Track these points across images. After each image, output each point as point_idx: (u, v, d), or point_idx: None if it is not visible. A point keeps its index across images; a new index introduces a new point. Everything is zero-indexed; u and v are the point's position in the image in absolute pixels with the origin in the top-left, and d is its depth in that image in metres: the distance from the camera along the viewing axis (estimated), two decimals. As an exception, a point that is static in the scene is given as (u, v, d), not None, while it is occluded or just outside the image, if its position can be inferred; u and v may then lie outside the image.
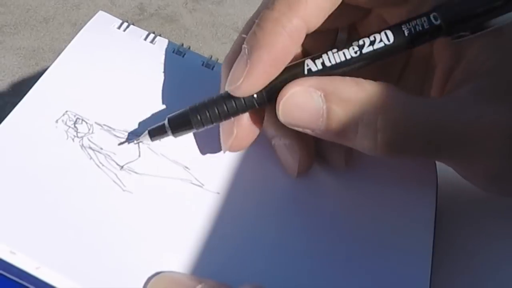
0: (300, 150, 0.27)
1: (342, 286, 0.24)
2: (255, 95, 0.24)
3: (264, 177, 0.27)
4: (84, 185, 0.24)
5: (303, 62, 0.24)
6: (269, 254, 0.24)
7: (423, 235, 0.26)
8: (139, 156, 0.26)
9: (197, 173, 0.26)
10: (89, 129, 0.26)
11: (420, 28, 0.23)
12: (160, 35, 0.31)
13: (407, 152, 0.24)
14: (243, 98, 0.24)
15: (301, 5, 0.23)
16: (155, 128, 0.25)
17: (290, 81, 0.23)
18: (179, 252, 0.23)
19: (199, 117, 0.24)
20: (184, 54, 0.30)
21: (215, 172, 0.26)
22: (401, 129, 0.23)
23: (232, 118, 0.25)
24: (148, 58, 0.29)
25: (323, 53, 0.24)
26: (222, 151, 0.26)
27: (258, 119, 0.25)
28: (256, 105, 0.24)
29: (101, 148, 0.25)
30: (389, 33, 0.23)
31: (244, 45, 0.23)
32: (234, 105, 0.24)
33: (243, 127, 0.25)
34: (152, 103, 0.28)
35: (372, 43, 0.23)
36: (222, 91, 0.25)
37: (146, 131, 0.26)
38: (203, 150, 0.27)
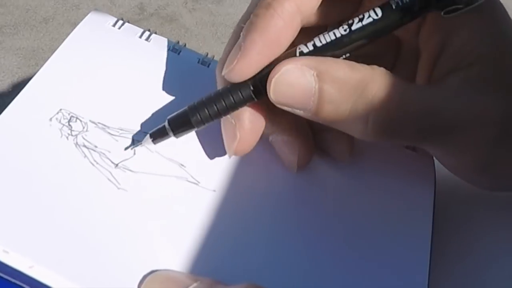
0: (299, 145, 0.26)
1: (340, 282, 0.24)
2: (251, 86, 0.24)
3: (260, 174, 0.27)
4: (78, 183, 0.24)
5: (296, 47, 0.24)
6: (266, 251, 0.24)
7: (421, 231, 0.26)
8: (134, 154, 0.26)
9: (193, 170, 0.26)
10: (83, 127, 0.26)
11: (408, 0, 0.23)
12: (155, 33, 0.30)
13: (397, 137, 0.24)
14: (240, 91, 0.24)
15: None
16: (156, 131, 0.25)
17: None
18: (174, 250, 0.23)
19: (198, 116, 0.24)
20: (180, 51, 0.30)
21: (211, 169, 0.26)
22: (392, 114, 0.23)
23: (234, 121, 0.25)
24: (144, 56, 0.29)
25: (315, 37, 0.24)
26: (218, 149, 0.26)
27: (259, 120, 0.25)
28: (253, 96, 0.24)
29: (96, 146, 0.25)
30: (377, 9, 0.23)
31: (241, 33, 0.24)
32: (232, 99, 0.24)
33: (245, 130, 0.25)
34: (147, 101, 0.27)
35: (360, 20, 0.23)
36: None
37: (148, 135, 0.25)
38: (199, 148, 0.27)
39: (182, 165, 0.26)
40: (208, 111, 0.24)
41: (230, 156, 0.26)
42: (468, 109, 0.23)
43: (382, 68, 0.23)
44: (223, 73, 0.24)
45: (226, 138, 0.25)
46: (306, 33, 0.25)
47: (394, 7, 0.23)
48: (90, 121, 0.26)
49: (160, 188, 0.25)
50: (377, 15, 0.23)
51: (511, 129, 0.24)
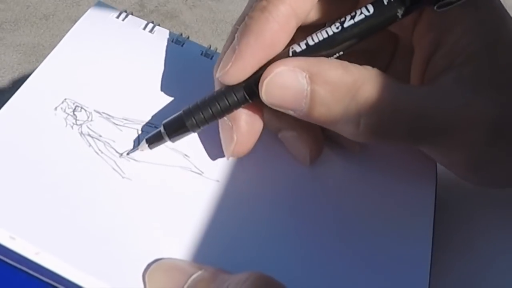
0: (310, 140, 0.27)
1: (341, 279, 0.24)
2: (245, 88, 0.24)
3: (263, 165, 0.27)
4: (83, 172, 0.24)
5: (289, 47, 0.24)
6: (269, 241, 0.24)
7: (422, 229, 0.26)
8: (139, 143, 0.26)
9: (196, 160, 0.26)
10: (88, 117, 0.26)
11: None
12: (159, 25, 0.31)
13: (389, 138, 0.24)
14: (234, 93, 0.24)
15: None
16: (151, 136, 0.25)
17: None
18: (178, 239, 0.23)
19: (194, 120, 0.24)
20: (183, 43, 0.30)
21: (215, 160, 0.26)
22: (385, 115, 0.23)
23: (230, 123, 0.25)
24: (147, 47, 0.29)
25: (308, 36, 0.24)
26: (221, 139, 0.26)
27: (256, 122, 0.25)
28: (247, 98, 0.24)
29: (100, 136, 0.25)
30: (369, 5, 0.23)
31: (235, 35, 0.24)
32: (226, 102, 0.24)
33: (242, 133, 0.25)
34: (151, 91, 0.28)
35: (353, 17, 0.23)
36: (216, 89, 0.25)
37: (144, 140, 0.25)
38: (203, 138, 0.27)
39: (186, 155, 0.26)
40: (203, 115, 0.24)
41: (228, 158, 0.26)
42: (460, 111, 0.23)
43: (375, 69, 0.23)
44: (217, 76, 0.24)
45: (224, 140, 0.25)
46: (303, 31, 0.24)
47: (386, 3, 0.23)
48: (94, 110, 0.26)
49: (164, 177, 0.25)
50: (369, 11, 0.23)
51: (503, 129, 0.23)
